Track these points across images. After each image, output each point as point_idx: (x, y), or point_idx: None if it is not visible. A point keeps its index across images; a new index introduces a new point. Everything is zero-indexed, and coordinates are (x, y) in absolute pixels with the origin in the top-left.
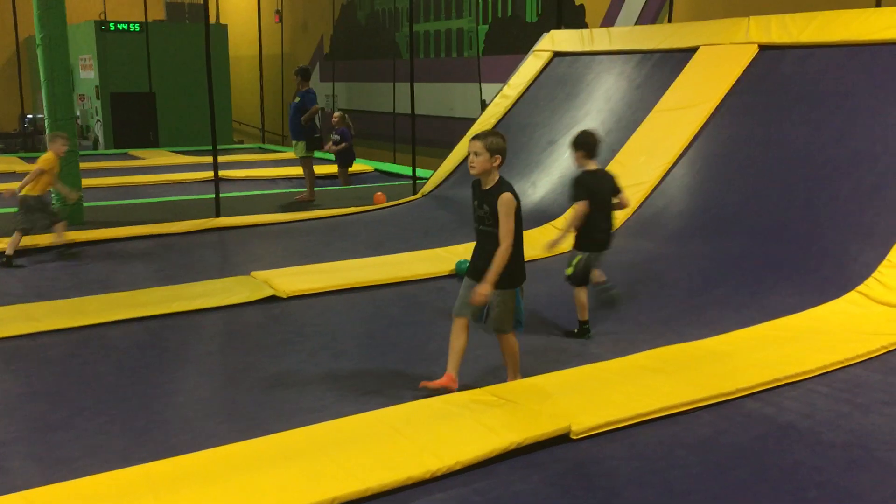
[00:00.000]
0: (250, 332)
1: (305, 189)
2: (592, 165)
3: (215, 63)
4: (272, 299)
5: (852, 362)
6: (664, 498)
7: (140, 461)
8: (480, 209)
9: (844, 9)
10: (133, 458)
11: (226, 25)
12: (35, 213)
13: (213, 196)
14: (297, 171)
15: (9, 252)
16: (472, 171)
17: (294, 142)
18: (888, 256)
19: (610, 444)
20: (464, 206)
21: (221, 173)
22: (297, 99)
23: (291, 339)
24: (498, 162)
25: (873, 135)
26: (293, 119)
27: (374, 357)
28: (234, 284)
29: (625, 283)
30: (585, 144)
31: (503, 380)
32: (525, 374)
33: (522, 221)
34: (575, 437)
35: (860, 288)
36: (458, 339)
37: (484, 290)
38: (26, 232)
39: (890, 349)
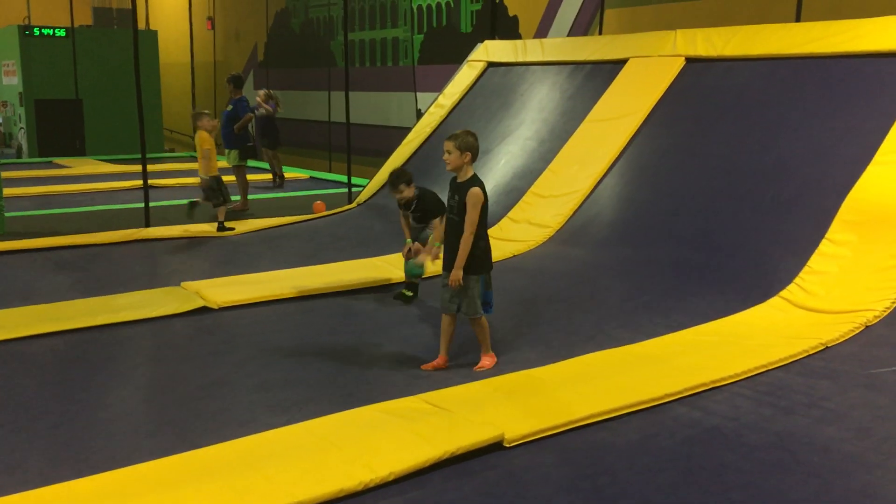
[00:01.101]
0: (179, 343)
1: (239, 198)
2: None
3: (144, 70)
4: (203, 310)
5: (775, 366)
6: (594, 503)
7: (59, 480)
8: (452, 199)
9: (766, 23)
10: (52, 477)
11: (155, 32)
12: None
13: (143, 205)
14: (231, 179)
15: None
16: (448, 168)
17: (227, 150)
18: (808, 263)
19: (542, 452)
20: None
21: (152, 182)
22: (230, 107)
23: (222, 350)
24: (468, 158)
25: (793, 146)
26: (226, 127)
27: (307, 367)
28: (162, 296)
29: (558, 290)
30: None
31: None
32: (460, 382)
33: (483, 216)
34: (508, 445)
35: (783, 293)
36: (448, 328)
37: (455, 274)
38: None
39: (811, 353)
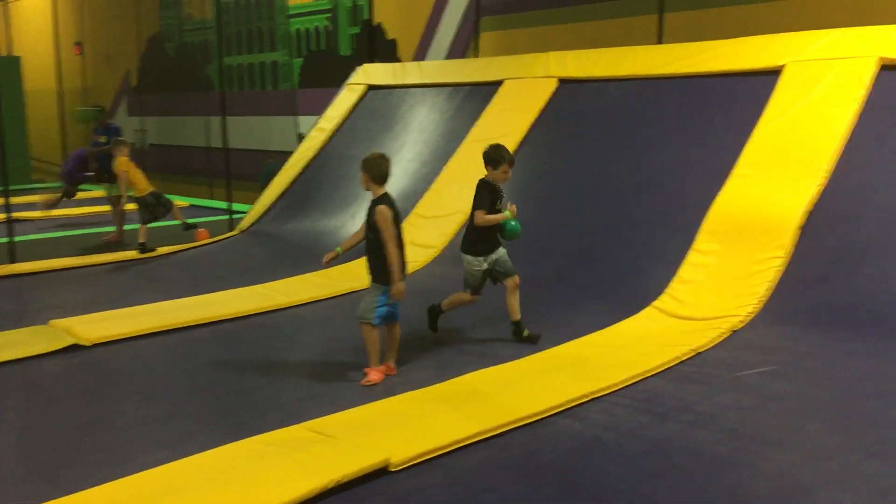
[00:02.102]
0: (49, 384)
1: (115, 228)
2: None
3: (6, 97)
4: (74, 348)
5: (651, 374)
6: None
7: None
8: (369, 219)
9: (631, 45)
10: None
11: (18, 57)
12: None
13: (6, 240)
14: (106, 209)
15: None
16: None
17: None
18: (678, 273)
19: (428, 473)
20: (284, 241)
21: (17, 214)
22: (103, 138)
23: (96, 388)
24: (369, 178)
25: (661, 162)
26: (103, 160)
27: (189, 399)
28: (29, 336)
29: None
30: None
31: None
32: (345, 407)
33: (398, 229)
34: (394, 469)
35: (655, 303)
36: (385, 335)
37: (398, 287)
38: None
39: (683, 359)
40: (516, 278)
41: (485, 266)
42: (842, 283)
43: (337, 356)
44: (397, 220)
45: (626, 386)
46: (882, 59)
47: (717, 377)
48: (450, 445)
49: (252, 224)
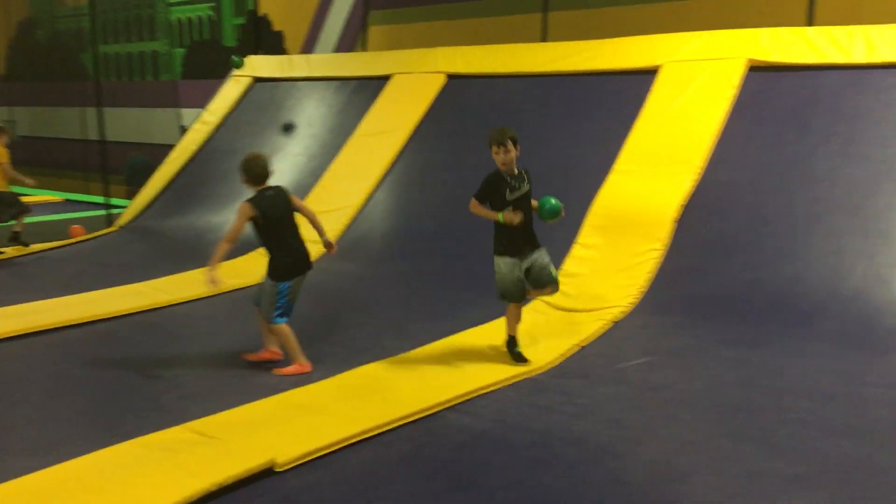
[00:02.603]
0: None
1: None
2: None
3: None
4: None
5: (538, 367)
6: None
7: None
8: None
9: (518, 42)
10: None
11: None
12: None
13: None
14: None
15: None
16: None
17: None
18: (563, 266)
19: (315, 472)
20: (166, 237)
21: None
22: None
23: None
24: (244, 178)
25: (547, 157)
26: None
27: (61, 402)
28: None
29: (334, 305)
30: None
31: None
32: (229, 406)
33: (270, 228)
34: (280, 470)
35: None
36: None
37: (208, 275)
38: None
39: (567, 355)
40: (547, 290)
41: (514, 269)
42: (714, 274)
43: (220, 354)
44: (271, 216)
45: (514, 381)
46: (750, 60)
47: (599, 369)
48: (337, 443)
49: (132, 220)
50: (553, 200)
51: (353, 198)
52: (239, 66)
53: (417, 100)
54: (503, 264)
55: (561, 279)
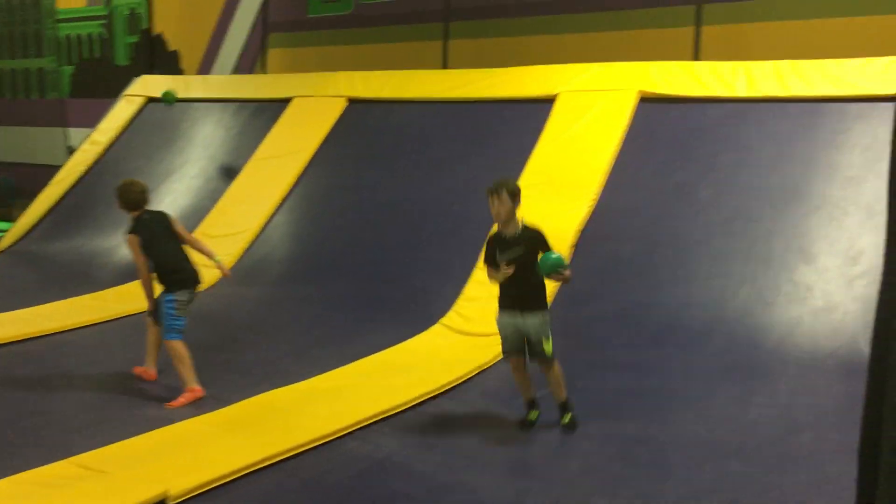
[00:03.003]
0: None
1: None
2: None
3: None
4: None
5: (438, 392)
6: None
7: None
8: None
9: (418, 69)
10: None
11: None
12: None
13: None
14: None
15: None
16: None
17: None
18: (463, 291)
19: (210, 503)
20: (51, 262)
21: None
22: None
23: None
24: (119, 204)
25: (448, 183)
26: None
27: None
28: None
29: (232, 331)
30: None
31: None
32: (118, 438)
33: (154, 245)
34: (173, 503)
35: (443, 320)
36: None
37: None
38: None
39: (467, 377)
40: (546, 365)
41: (507, 326)
42: (609, 298)
43: (108, 384)
44: (149, 239)
45: (416, 405)
46: (641, 91)
47: (500, 393)
48: (234, 473)
49: (13, 243)
50: (553, 256)
51: (252, 221)
52: (171, 101)
53: (318, 123)
54: (497, 318)
55: (461, 303)
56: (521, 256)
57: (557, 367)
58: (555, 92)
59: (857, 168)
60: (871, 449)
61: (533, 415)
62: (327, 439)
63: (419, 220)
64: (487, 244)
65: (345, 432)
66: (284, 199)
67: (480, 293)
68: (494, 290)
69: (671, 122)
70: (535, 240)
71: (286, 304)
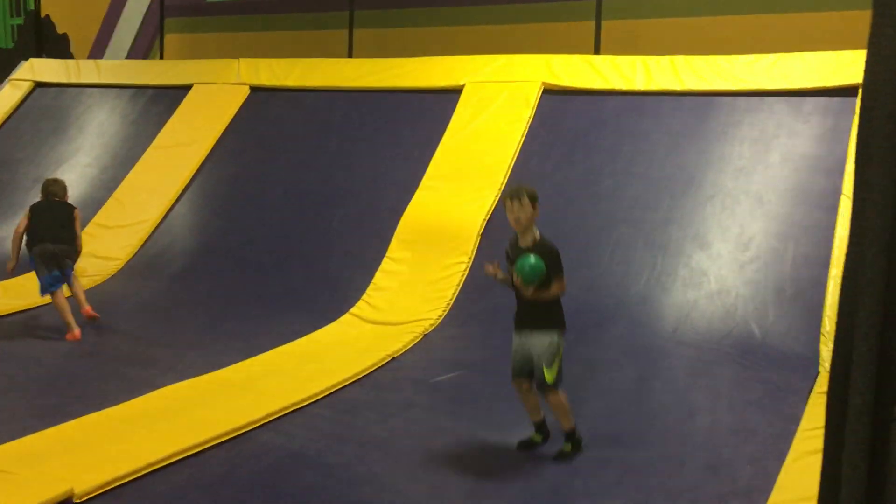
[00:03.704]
0: None
1: None
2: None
3: None
4: None
5: (350, 382)
6: None
7: None
8: None
9: (323, 58)
10: None
11: None
12: None
13: None
14: None
15: None
16: None
17: None
18: (373, 280)
19: (119, 500)
20: None
21: None
22: None
23: None
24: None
25: (355, 172)
26: None
27: None
28: None
29: (133, 324)
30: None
31: None
32: (17, 436)
33: (31, 224)
34: (79, 501)
35: (353, 310)
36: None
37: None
38: None
39: (379, 365)
40: (547, 395)
41: (516, 345)
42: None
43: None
44: (34, 217)
45: (327, 395)
46: (544, 83)
47: (412, 382)
48: (142, 469)
49: None
50: (531, 261)
51: (151, 212)
52: None
53: (219, 111)
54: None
55: (371, 293)
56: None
57: (560, 397)
58: (461, 82)
59: (747, 159)
60: (835, 448)
61: (537, 437)
62: (238, 433)
63: (326, 211)
64: (509, 247)
65: (256, 425)
66: (186, 189)
67: (390, 282)
68: (405, 278)
69: (573, 113)
70: (548, 256)
71: (189, 296)
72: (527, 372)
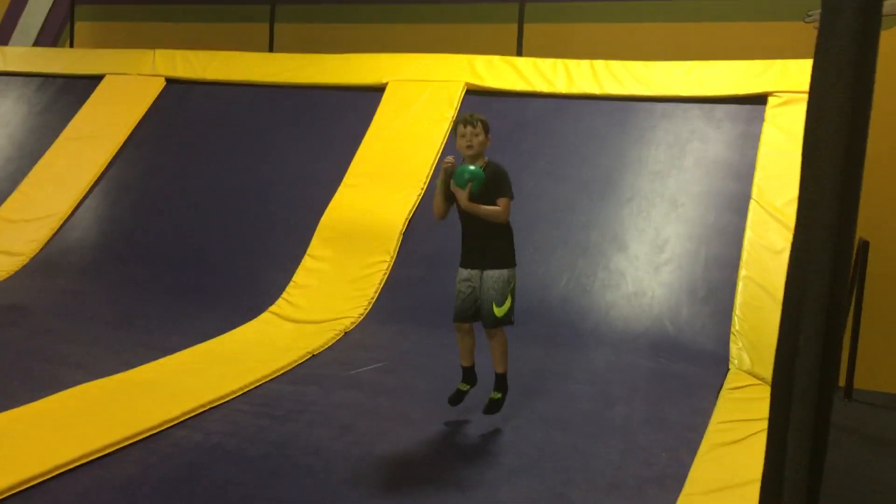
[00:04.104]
0: None
1: None
2: None
3: None
4: None
5: (269, 378)
6: None
7: None
8: None
9: (243, 51)
10: None
11: None
12: None
13: None
14: None
15: None
16: None
17: None
18: (293, 278)
19: (27, 503)
20: None
21: None
22: None
23: None
24: None
25: (276, 168)
26: None
27: None
28: None
29: (37, 323)
30: None
31: None
32: None
33: None
34: None
35: (272, 308)
36: None
37: None
38: None
39: (299, 362)
40: (492, 333)
41: (462, 282)
42: (437, 284)
43: None
44: None
45: (245, 392)
46: (467, 83)
47: (332, 377)
48: (52, 471)
49: None
50: (470, 167)
51: (59, 205)
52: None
53: (133, 103)
54: (457, 274)
55: (291, 291)
56: (483, 196)
57: (503, 337)
58: (384, 81)
59: (662, 163)
60: (781, 428)
61: (464, 386)
62: (153, 431)
63: (246, 207)
64: (444, 172)
65: (171, 423)
66: (97, 183)
67: (311, 281)
68: (326, 276)
69: (496, 114)
70: (499, 175)
71: (99, 293)
72: (471, 314)
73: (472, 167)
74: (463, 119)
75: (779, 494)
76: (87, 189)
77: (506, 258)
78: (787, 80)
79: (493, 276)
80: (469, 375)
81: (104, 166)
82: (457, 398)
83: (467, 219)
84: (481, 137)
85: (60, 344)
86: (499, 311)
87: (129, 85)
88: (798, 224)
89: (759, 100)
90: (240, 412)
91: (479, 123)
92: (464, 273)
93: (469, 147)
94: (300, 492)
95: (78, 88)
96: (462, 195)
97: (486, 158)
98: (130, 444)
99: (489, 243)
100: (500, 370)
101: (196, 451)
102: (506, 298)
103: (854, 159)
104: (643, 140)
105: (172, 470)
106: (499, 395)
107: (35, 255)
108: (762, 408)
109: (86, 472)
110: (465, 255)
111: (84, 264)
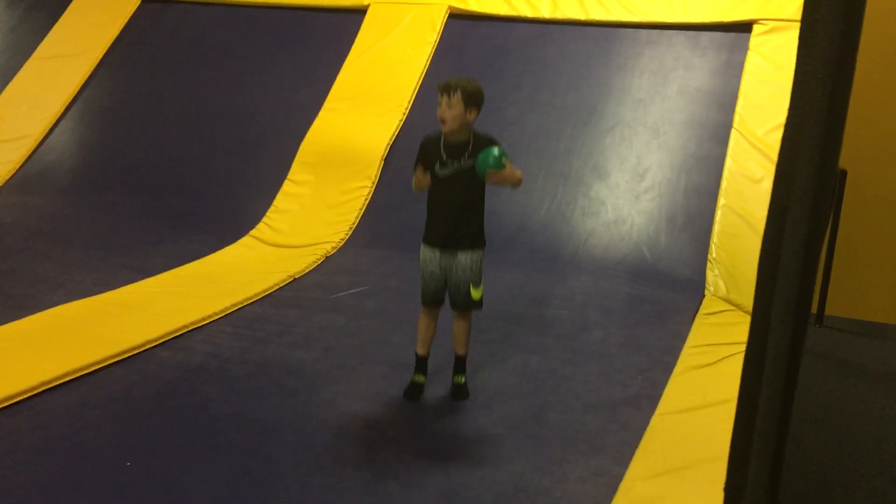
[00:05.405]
0: None
1: None
2: None
3: None
4: None
5: (250, 301)
6: (76, 462)
7: None
8: None
9: None
10: None
11: None
12: None
13: None
14: None
15: None
16: None
17: None
18: (274, 203)
19: (11, 419)
20: None
21: None
22: None
23: None
24: None
25: (255, 92)
26: None
27: None
28: None
29: (16, 241)
30: None
31: None
32: None
33: None
34: None
35: (253, 232)
36: None
37: None
38: None
39: (280, 286)
40: (463, 316)
41: (431, 263)
42: (418, 210)
43: None
44: None
45: (228, 314)
46: (450, 7)
47: (313, 300)
48: (34, 388)
49: None
50: (495, 152)
51: (34, 127)
52: None
53: (107, 22)
54: (421, 253)
55: (272, 215)
56: (468, 172)
57: (471, 317)
58: (365, 2)
59: (646, 91)
60: (758, 349)
61: (420, 378)
62: (136, 351)
63: (225, 131)
64: (421, 148)
65: (154, 343)
66: (72, 103)
67: (291, 205)
68: (306, 201)
69: (479, 39)
70: (491, 147)
71: (78, 214)
72: (440, 298)
73: (494, 153)
74: (439, 85)
75: (754, 412)
76: (63, 110)
77: (480, 237)
78: (773, 6)
79: (469, 256)
80: (424, 365)
81: (79, 86)
82: (415, 392)
83: (444, 190)
84: (457, 111)
85: (38, 264)
86: (476, 293)
87: (102, 2)
88: (782, 147)
89: (745, 27)
90: (222, 333)
91: (458, 92)
92: (431, 252)
93: (442, 121)
94: (281, 410)
95: (49, 6)
96: (497, 177)
97: (473, 131)
98: (114, 363)
99: (467, 218)
100: (462, 352)
101: (179, 370)
102: (481, 278)
103: (842, 85)
104: (627, 67)
105: (156, 388)
106: (464, 379)
107: (10, 178)
108: (735, 332)
109: (70, 390)
110: (433, 230)
111: (61, 186)
